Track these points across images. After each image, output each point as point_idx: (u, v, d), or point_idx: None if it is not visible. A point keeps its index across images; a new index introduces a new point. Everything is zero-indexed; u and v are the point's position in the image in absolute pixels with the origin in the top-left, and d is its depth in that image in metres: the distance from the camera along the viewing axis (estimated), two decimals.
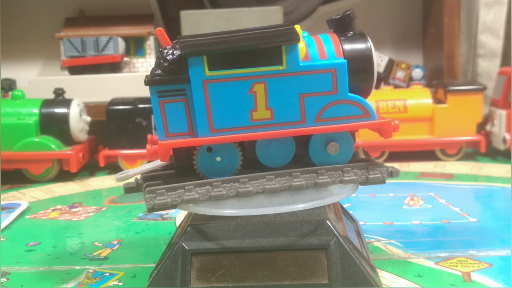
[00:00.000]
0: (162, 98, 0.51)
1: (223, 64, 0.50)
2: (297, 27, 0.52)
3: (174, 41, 0.53)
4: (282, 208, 0.50)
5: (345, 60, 0.52)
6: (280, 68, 0.51)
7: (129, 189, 0.61)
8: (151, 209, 0.52)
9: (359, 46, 0.56)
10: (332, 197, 0.53)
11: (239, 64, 0.50)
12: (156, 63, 0.52)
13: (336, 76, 0.52)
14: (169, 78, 0.51)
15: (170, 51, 0.51)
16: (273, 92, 0.51)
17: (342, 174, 0.54)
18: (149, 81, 0.51)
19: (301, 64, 0.51)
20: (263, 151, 0.54)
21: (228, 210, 0.51)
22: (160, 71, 0.51)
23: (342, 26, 0.56)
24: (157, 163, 0.58)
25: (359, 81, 0.54)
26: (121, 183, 0.61)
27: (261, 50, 0.50)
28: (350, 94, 0.52)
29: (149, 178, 0.58)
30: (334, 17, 0.56)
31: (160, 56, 0.52)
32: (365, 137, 1.13)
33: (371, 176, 0.55)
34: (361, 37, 0.56)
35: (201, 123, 0.51)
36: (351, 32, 0.56)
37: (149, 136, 0.57)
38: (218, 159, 0.53)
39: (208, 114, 0.51)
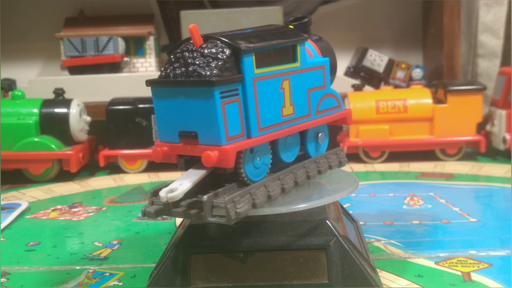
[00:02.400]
0: (224, 99, 0.47)
1: (262, 62, 0.50)
2: (291, 27, 0.56)
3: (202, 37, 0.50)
4: (282, 209, 0.50)
5: (328, 58, 0.58)
6: (297, 65, 0.53)
7: (159, 212, 0.50)
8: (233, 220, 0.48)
9: (327, 46, 0.61)
10: (332, 196, 0.53)
11: (270, 61, 0.51)
12: (201, 63, 0.48)
13: (325, 72, 0.57)
14: (231, 77, 0.47)
15: (213, 49, 0.48)
16: (294, 88, 0.53)
17: (327, 161, 0.59)
18: (218, 81, 0.46)
19: (308, 61, 0.55)
20: (283, 148, 0.54)
21: None
22: (216, 71, 0.47)
23: (304, 30, 0.58)
24: (198, 172, 0.50)
25: (331, 76, 0.60)
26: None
27: (283, 49, 0.52)
28: (331, 88, 0.58)
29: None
30: (298, 22, 0.59)
31: (198, 55, 0.48)
32: (365, 137, 1.13)
33: (342, 160, 0.61)
34: (323, 39, 0.62)
35: (253, 123, 0.49)
36: (316, 35, 0.61)
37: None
38: (258, 159, 0.51)
39: (257, 113, 0.50)
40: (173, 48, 0.51)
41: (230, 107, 0.48)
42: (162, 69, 0.50)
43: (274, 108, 0.51)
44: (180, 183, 0.48)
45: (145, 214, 0.49)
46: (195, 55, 0.48)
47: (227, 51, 0.48)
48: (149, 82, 0.50)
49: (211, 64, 0.47)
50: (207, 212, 0.47)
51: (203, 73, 0.47)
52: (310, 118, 0.55)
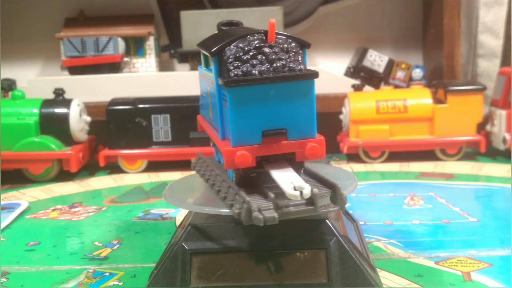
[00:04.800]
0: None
1: None
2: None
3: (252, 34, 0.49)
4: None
5: None
6: None
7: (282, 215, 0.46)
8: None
9: None
10: None
11: None
12: (287, 58, 0.48)
13: None
14: (316, 71, 0.49)
15: (288, 45, 0.48)
16: None
17: None
18: (317, 73, 0.47)
19: None
20: None
21: (227, 210, 0.51)
22: (303, 65, 0.48)
23: None
24: (288, 169, 0.49)
25: None
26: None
27: None
28: None
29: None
30: (228, 27, 0.58)
31: (279, 51, 0.48)
32: (365, 137, 1.13)
33: None
34: None
35: None
36: None
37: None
38: None
39: None
40: (223, 47, 0.48)
41: None
42: (231, 68, 0.47)
43: None
44: (290, 181, 0.46)
45: (265, 221, 0.44)
46: (276, 50, 0.48)
47: (298, 46, 0.49)
48: (232, 82, 0.47)
49: (296, 58, 0.48)
50: (317, 205, 0.46)
51: (296, 67, 0.47)
52: None
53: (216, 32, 0.56)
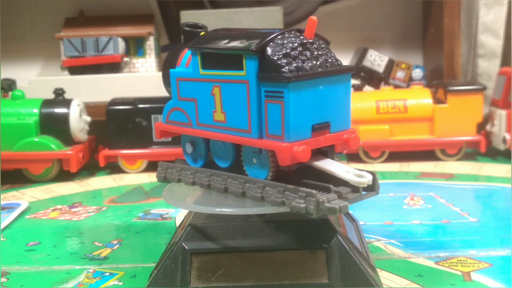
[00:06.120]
0: None
1: None
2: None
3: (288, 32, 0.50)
4: (280, 208, 0.50)
5: None
6: None
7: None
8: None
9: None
10: None
11: None
12: (326, 54, 0.50)
13: None
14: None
15: (322, 42, 0.51)
16: None
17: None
18: (355, 67, 0.52)
19: None
20: None
21: (226, 209, 0.51)
22: (339, 61, 0.51)
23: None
24: (332, 160, 0.51)
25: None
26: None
27: None
28: None
29: None
30: (193, 29, 0.59)
31: (320, 47, 0.50)
32: (365, 137, 1.13)
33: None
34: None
35: None
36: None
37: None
38: None
39: None
40: (265, 45, 0.48)
41: None
42: (283, 64, 0.48)
43: None
44: (347, 170, 0.48)
45: (340, 210, 0.46)
46: (316, 46, 0.50)
47: (324, 43, 0.51)
48: (294, 77, 0.47)
49: (331, 54, 0.50)
50: (378, 186, 0.50)
51: (335, 62, 0.50)
52: None
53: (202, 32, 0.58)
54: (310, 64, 0.48)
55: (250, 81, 0.49)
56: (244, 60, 0.49)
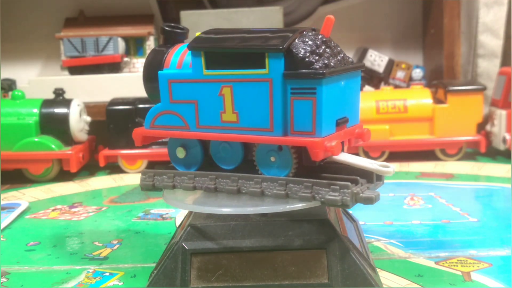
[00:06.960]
0: None
1: None
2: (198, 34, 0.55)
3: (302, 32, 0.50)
4: (279, 207, 0.50)
5: None
6: None
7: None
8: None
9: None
10: None
11: None
12: (341, 51, 0.52)
13: None
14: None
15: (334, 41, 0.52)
16: None
17: None
18: (364, 64, 0.55)
19: None
20: None
21: (226, 209, 0.51)
22: (352, 59, 0.53)
23: (173, 38, 0.60)
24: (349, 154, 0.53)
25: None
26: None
27: None
28: None
29: None
30: (171, 29, 0.59)
31: (335, 46, 0.51)
32: None
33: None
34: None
35: None
36: None
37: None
38: None
39: None
40: (290, 43, 0.49)
41: None
42: (313, 61, 0.48)
43: None
44: (370, 162, 0.51)
45: (376, 199, 0.48)
46: (333, 45, 0.51)
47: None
48: (328, 73, 0.48)
49: (343, 52, 0.52)
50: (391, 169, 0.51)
51: (349, 59, 0.52)
52: None
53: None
54: (333, 61, 0.49)
55: (274, 79, 0.49)
56: (267, 59, 0.49)
